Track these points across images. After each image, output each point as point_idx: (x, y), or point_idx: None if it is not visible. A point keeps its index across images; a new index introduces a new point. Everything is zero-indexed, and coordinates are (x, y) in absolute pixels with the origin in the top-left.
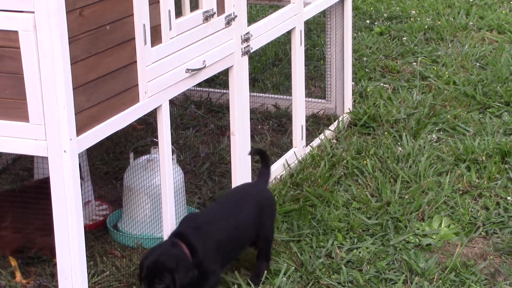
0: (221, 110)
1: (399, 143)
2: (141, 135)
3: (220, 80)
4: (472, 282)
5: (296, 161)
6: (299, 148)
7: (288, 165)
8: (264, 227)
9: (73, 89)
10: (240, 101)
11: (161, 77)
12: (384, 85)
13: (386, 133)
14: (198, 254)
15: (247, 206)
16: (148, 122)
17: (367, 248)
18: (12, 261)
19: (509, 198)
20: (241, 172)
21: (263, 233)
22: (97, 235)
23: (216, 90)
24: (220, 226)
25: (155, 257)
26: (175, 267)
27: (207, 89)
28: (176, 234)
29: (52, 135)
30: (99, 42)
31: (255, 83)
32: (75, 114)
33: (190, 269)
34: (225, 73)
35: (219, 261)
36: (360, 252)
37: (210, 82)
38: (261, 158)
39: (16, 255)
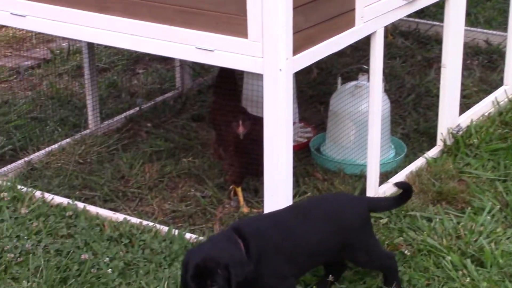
0: (429, 42)
1: None
2: (347, 61)
3: (430, 11)
4: None
5: (506, 99)
6: (510, 86)
7: (498, 103)
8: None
9: (292, 9)
10: (454, 33)
11: (378, 2)
12: None
13: None
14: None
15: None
16: (354, 48)
17: None
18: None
19: None
20: (449, 106)
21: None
22: (300, 157)
23: (425, 21)
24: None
25: (204, 253)
26: (230, 262)
27: (416, 19)
28: (231, 229)
29: (269, 53)
30: None
31: (466, 17)
32: (293, 34)
33: (246, 264)
34: (435, 4)
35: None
36: None
37: (420, 13)
38: (404, 193)
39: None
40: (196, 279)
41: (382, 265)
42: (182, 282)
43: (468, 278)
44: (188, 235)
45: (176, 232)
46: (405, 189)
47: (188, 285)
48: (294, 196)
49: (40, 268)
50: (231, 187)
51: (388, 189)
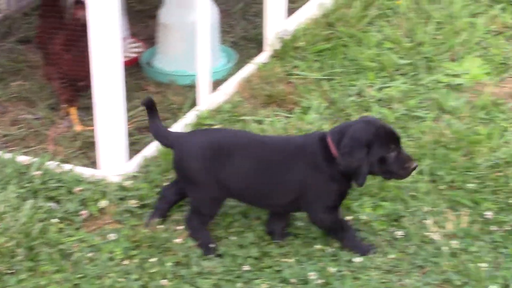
0: None
1: None
2: None
3: None
4: (501, 120)
5: (330, 1)
6: None
7: (322, 5)
8: None
9: None
10: None
11: None
12: None
13: None
14: None
15: None
16: None
17: (397, 87)
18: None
19: None
20: (275, 11)
21: None
22: (131, 72)
23: None
24: None
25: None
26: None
27: None
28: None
29: None
30: None
31: None
32: None
33: None
34: None
35: None
36: (390, 91)
37: None
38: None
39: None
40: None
41: None
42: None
43: None
44: (21, 158)
45: (9, 155)
46: (147, 104)
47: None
48: (128, 111)
49: None
50: (64, 105)
51: (219, 97)
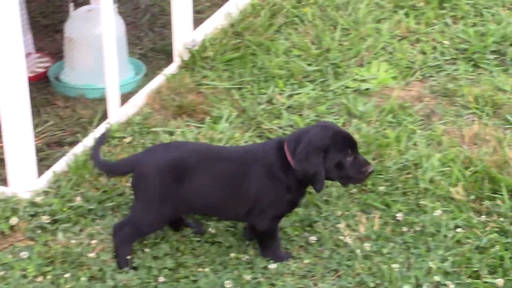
0: None
1: None
2: None
3: None
4: (408, 123)
5: (237, 10)
6: None
7: (229, 15)
8: None
9: None
10: None
11: None
12: None
13: None
14: None
15: None
16: None
17: (307, 93)
18: None
19: (445, 42)
20: (182, 22)
21: None
22: (39, 87)
23: None
24: None
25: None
26: None
27: None
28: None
29: None
30: None
31: None
32: None
33: None
34: None
35: None
36: (300, 98)
37: None
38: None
39: None
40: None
41: None
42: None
43: None
44: None
45: None
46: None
47: None
48: (35, 126)
49: None
50: None
51: (129, 110)
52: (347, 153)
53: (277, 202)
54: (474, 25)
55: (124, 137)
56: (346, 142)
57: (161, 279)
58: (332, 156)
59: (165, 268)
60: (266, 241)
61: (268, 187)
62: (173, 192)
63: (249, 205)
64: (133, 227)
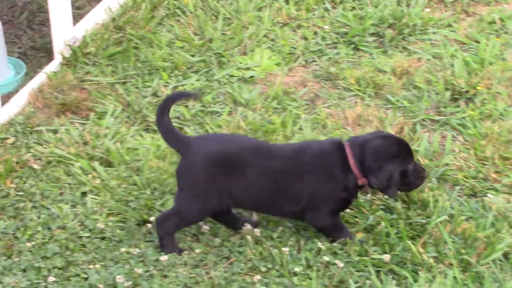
0: None
1: None
2: None
3: None
4: (293, 108)
5: (118, 5)
6: None
7: (110, 9)
8: None
9: None
10: None
11: None
12: None
13: None
14: None
15: None
16: None
17: (192, 84)
18: None
19: (325, 27)
20: (61, 18)
21: None
22: None
23: None
24: None
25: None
26: None
27: None
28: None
29: None
30: None
31: None
32: None
33: None
34: None
35: None
36: (185, 89)
37: None
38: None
39: None
40: None
41: None
42: None
43: (98, 179)
44: None
45: None
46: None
47: None
48: None
49: None
50: None
51: (11, 110)
52: (410, 161)
53: (332, 200)
54: (353, 9)
55: (6, 138)
56: (409, 150)
57: (51, 279)
58: (399, 165)
59: (55, 267)
60: (334, 235)
61: (326, 186)
62: (222, 185)
63: (304, 203)
64: (179, 217)
